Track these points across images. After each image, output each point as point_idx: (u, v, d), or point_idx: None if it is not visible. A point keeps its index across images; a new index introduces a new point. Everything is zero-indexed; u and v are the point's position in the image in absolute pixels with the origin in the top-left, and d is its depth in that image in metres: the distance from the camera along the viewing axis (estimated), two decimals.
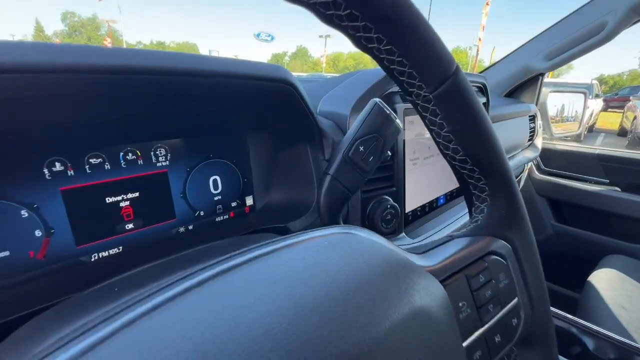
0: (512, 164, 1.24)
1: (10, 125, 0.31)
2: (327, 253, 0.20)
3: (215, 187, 0.52)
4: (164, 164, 0.46)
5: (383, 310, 0.18)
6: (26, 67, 0.26)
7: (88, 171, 0.40)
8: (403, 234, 0.63)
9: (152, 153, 0.45)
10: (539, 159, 1.64)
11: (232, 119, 0.52)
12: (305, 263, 0.19)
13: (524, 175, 1.55)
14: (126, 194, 0.43)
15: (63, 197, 0.38)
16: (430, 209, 0.72)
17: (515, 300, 0.27)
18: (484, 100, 0.88)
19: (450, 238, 0.29)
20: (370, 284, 0.19)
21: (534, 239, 0.30)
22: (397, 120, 0.41)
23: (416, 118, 0.63)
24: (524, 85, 1.53)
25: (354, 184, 0.39)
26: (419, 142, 0.65)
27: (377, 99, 0.41)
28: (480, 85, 0.84)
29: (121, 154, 0.42)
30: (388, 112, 0.40)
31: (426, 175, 0.69)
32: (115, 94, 0.34)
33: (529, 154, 1.44)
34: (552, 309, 0.92)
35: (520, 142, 1.33)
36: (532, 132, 1.45)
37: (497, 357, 0.25)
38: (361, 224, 0.56)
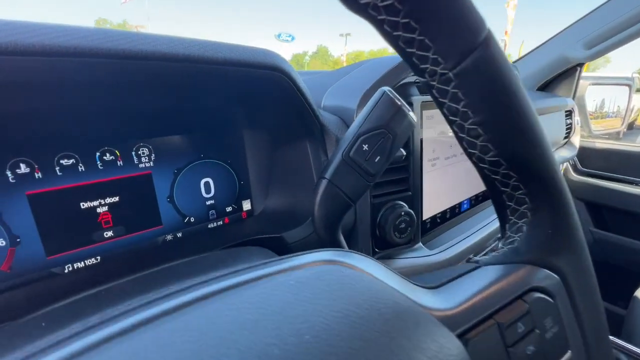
0: None
1: None
2: (296, 299, 0.14)
3: (208, 191, 0.47)
4: (147, 165, 0.42)
5: None
6: None
7: (59, 173, 0.36)
8: (420, 243, 0.56)
9: (133, 153, 0.40)
10: (575, 158, 1.50)
11: (224, 114, 0.46)
12: (266, 314, 0.13)
13: None
14: (104, 198, 0.39)
15: (30, 202, 0.34)
16: (452, 215, 0.64)
17: (568, 355, 0.20)
18: None
19: (476, 265, 0.22)
20: (352, 348, 0.13)
21: (592, 270, 0.23)
22: (411, 113, 0.34)
23: (436, 112, 0.55)
24: (559, 77, 1.39)
25: (356, 189, 0.32)
26: (439, 140, 0.57)
27: (387, 88, 0.34)
28: None
29: (97, 154, 0.38)
30: (400, 103, 0.33)
31: (447, 178, 0.61)
32: (82, 81, 0.29)
33: (565, 152, 1.31)
34: None
35: (555, 140, 1.21)
36: (569, 129, 1.32)
37: None
38: (371, 234, 0.49)
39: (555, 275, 0.21)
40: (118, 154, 0.39)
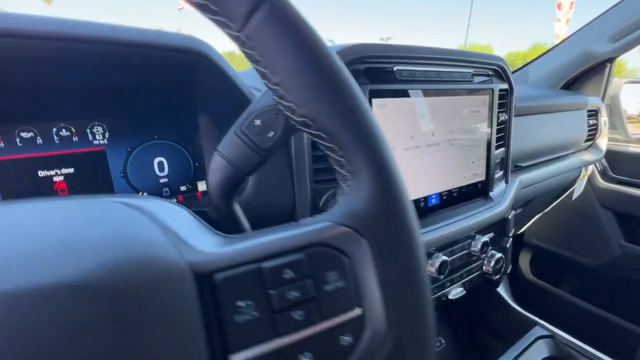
0: (560, 167, 1.04)
1: None
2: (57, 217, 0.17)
3: (161, 170, 0.52)
4: (101, 142, 0.47)
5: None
6: None
7: (19, 144, 0.42)
8: None
9: (88, 130, 0.46)
10: (604, 163, 1.36)
11: (177, 98, 0.50)
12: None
13: (582, 182, 1.29)
14: (60, 169, 0.44)
15: None
16: (417, 209, 0.62)
17: (356, 313, 0.20)
18: (503, 86, 0.74)
19: (293, 224, 0.23)
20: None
21: (418, 245, 0.22)
22: None
23: (389, 101, 0.55)
24: (586, 75, 1.28)
25: (247, 163, 0.34)
26: (396, 130, 0.57)
27: None
28: (496, 68, 0.72)
29: (54, 129, 0.43)
30: None
31: (408, 169, 0.60)
32: (33, 60, 0.34)
33: (588, 156, 1.20)
34: (601, 355, 0.73)
35: (573, 141, 1.11)
36: (593, 130, 1.20)
37: None
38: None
39: (364, 240, 0.21)
40: (73, 130, 0.45)
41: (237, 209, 0.37)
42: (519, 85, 1.32)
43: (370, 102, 0.52)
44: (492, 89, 0.71)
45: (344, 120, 0.21)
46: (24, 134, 0.42)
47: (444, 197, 0.67)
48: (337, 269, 0.20)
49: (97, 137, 0.46)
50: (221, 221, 0.45)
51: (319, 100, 0.20)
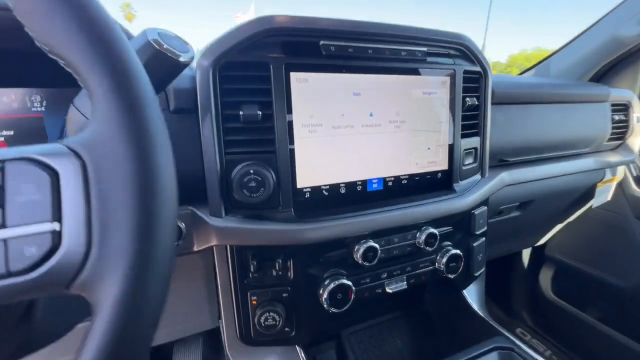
0: (568, 166, 0.91)
1: None
2: None
3: None
4: (39, 109, 0.52)
5: None
6: None
7: None
8: (291, 212, 0.54)
9: (27, 98, 0.52)
10: None
11: None
12: None
13: (608, 188, 1.12)
14: (1, 131, 0.51)
15: None
16: (352, 192, 0.60)
17: (48, 227, 0.20)
18: (471, 68, 0.68)
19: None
20: None
21: (140, 174, 0.21)
22: (166, 47, 0.36)
23: (311, 76, 0.54)
24: (618, 65, 1.12)
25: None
26: (322, 106, 0.55)
27: (155, 31, 0.37)
28: (459, 47, 0.66)
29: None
30: (151, 40, 0.35)
31: (340, 149, 0.58)
32: None
33: (615, 157, 1.03)
34: None
35: (588, 138, 0.97)
36: (622, 128, 1.04)
37: None
38: (219, 190, 0.51)
39: (78, 160, 0.21)
40: (13, 97, 0.51)
41: None
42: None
43: (288, 76, 0.52)
44: (454, 70, 0.65)
45: (79, 53, 0.21)
46: None
47: (389, 183, 0.63)
48: (35, 182, 0.20)
49: (35, 104, 0.52)
50: None
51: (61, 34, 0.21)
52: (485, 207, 0.74)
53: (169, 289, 0.23)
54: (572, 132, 0.92)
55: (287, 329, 0.56)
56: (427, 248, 0.63)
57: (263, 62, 0.50)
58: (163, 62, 0.37)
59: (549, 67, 1.23)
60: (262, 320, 0.54)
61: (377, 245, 0.57)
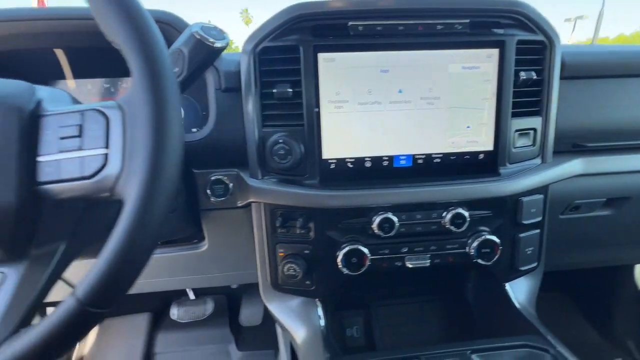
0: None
1: None
2: None
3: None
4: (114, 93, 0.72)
5: None
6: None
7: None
8: (317, 180, 0.61)
9: (103, 85, 0.71)
10: None
11: None
12: None
13: None
14: None
15: None
16: (377, 167, 0.63)
17: (102, 151, 0.32)
18: (530, 37, 0.61)
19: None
20: None
21: (159, 104, 0.31)
22: (204, 36, 0.47)
23: (338, 55, 0.58)
24: None
25: None
26: (348, 83, 0.59)
27: (198, 25, 0.48)
28: (514, 15, 0.60)
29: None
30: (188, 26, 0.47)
31: (366, 124, 0.61)
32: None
33: None
34: None
35: None
36: None
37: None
38: (257, 156, 0.61)
39: (118, 110, 0.32)
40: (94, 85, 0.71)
41: None
42: None
43: (315, 56, 0.58)
44: (504, 42, 0.60)
45: (117, 29, 0.33)
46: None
47: (419, 161, 0.63)
48: (98, 124, 0.33)
49: (111, 90, 0.72)
50: None
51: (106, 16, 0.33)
52: (541, 196, 0.66)
53: (173, 197, 0.34)
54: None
55: (307, 282, 0.64)
56: (454, 229, 0.61)
57: (294, 46, 0.57)
58: (202, 48, 0.48)
59: None
60: (285, 270, 0.63)
61: (394, 219, 0.59)
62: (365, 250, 0.61)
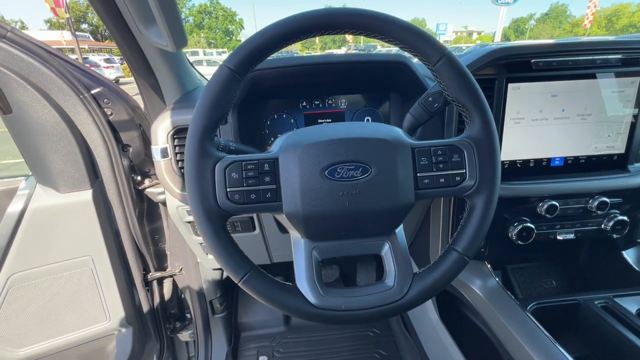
0: None
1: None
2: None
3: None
4: (343, 107, 0.93)
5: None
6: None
7: (306, 107, 0.92)
8: None
9: (339, 101, 0.92)
10: None
11: (379, 85, 0.91)
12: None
13: None
14: (324, 119, 0.93)
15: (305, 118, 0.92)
16: (538, 166, 0.84)
17: (461, 171, 0.53)
18: None
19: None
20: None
21: (495, 144, 0.52)
22: None
23: (523, 85, 0.78)
24: None
25: (420, 118, 0.69)
26: (526, 105, 0.80)
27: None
28: None
29: (327, 100, 0.92)
30: None
31: (534, 135, 0.82)
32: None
33: None
34: None
35: None
36: None
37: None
38: None
39: (471, 145, 0.54)
40: (332, 101, 0.92)
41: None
42: None
43: (506, 86, 0.78)
44: None
45: (468, 100, 0.54)
46: (315, 102, 0.92)
47: (569, 162, 0.85)
48: (457, 153, 0.54)
49: (340, 104, 0.93)
50: None
51: (460, 92, 0.54)
52: None
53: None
54: None
55: (482, 250, 0.88)
56: (598, 212, 0.83)
57: (492, 78, 0.77)
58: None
59: None
60: None
61: (557, 204, 0.82)
62: (532, 226, 0.83)
